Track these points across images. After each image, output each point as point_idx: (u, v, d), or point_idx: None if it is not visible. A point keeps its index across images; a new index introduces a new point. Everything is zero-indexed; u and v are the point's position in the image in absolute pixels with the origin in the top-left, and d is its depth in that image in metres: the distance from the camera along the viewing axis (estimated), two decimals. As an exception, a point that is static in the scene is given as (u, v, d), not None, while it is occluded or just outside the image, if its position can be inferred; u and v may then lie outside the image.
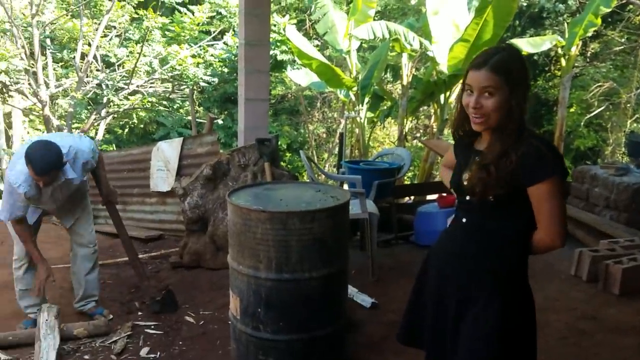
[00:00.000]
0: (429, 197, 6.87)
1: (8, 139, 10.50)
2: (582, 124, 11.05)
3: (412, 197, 7.65)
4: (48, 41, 9.31)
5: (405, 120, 8.76)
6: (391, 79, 11.95)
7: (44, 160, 2.89)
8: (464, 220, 1.78)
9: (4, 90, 8.66)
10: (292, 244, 2.51)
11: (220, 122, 9.70)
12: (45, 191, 3.14)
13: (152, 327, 3.42)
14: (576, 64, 10.98)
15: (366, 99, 8.58)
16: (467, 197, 1.75)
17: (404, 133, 8.77)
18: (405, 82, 8.49)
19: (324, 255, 2.58)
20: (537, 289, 3.91)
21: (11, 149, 9.66)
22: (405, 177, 11.73)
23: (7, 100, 9.28)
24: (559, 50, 8.48)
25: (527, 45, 7.70)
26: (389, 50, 8.60)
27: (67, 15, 8.76)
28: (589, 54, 11.71)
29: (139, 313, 3.64)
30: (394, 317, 3.27)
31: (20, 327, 3.37)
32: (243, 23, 4.49)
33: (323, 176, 6.91)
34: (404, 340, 2.04)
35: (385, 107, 9.62)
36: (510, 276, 1.72)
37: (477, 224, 1.75)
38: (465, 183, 1.73)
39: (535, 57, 12.06)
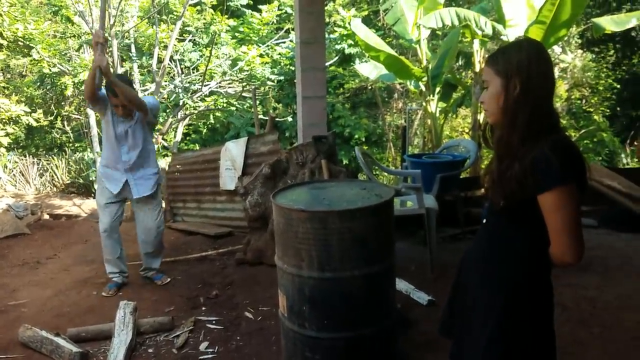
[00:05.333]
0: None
1: (101, 142, 11.29)
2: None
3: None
4: (133, 48, 9.88)
5: (479, 108, 8.43)
6: (464, 67, 11.55)
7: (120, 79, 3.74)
8: (484, 220, 1.71)
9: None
10: (333, 242, 2.51)
11: (289, 119, 9.85)
12: (119, 132, 3.93)
13: (214, 322, 3.56)
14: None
15: (437, 89, 8.35)
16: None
17: (479, 122, 8.43)
18: (477, 69, 8.16)
19: (366, 254, 2.55)
20: (608, 285, 3.73)
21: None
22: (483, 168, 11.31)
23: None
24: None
25: (611, 23, 7.12)
26: (461, 37, 8.32)
27: (147, 23, 9.25)
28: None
29: (203, 308, 3.81)
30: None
31: (106, 290, 4.09)
32: (298, 22, 4.53)
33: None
34: (441, 331, 2.00)
35: (458, 96, 9.30)
36: (517, 287, 1.61)
37: (491, 226, 1.68)
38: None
39: (633, 34, 11.22)
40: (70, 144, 13.03)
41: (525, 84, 1.50)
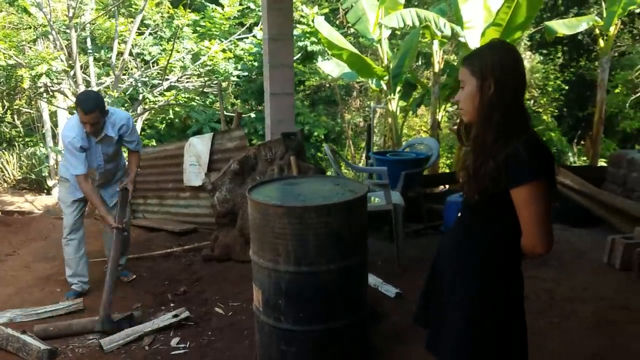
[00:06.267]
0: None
1: (55, 137, 10.94)
2: (627, 105, 10.66)
3: (446, 186, 7.58)
4: (89, 41, 9.62)
5: (438, 108, 8.66)
6: (424, 67, 11.79)
7: (89, 100, 3.55)
8: (459, 214, 1.79)
9: (49, 91, 8.98)
10: (309, 237, 2.55)
11: (252, 115, 9.82)
12: (93, 146, 3.73)
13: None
14: (620, 44, 10.61)
15: (398, 88, 8.52)
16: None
17: (437, 121, 8.66)
18: (437, 70, 8.37)
19: (341, 248, 2.61)
20: (564, 277, 3.91)
21: (58, 146, 10.02)
22: (442, 166, 11.61)
23: (52, 102, 9.66)
24: (596, 31, 8.18)
25: (563, 26, 7.47)
26: (420, 38, 8.50)
27: (104, 16, 9.02)
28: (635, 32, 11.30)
29: (172, 305, 3.78)
30: (417, 307, 3.29)
31: (65, 298, 3.81)
32: (266, 18, 4.55)
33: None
34: (416, 321, 2.06)
35: (417, 95, 9.50)
36: (491, 278, 1.69)
37: (465, 220, 1.76)
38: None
39: (580, 37, 11.71)
40: (20, 139, 12.56)
41: (499, 84, 1.57)
